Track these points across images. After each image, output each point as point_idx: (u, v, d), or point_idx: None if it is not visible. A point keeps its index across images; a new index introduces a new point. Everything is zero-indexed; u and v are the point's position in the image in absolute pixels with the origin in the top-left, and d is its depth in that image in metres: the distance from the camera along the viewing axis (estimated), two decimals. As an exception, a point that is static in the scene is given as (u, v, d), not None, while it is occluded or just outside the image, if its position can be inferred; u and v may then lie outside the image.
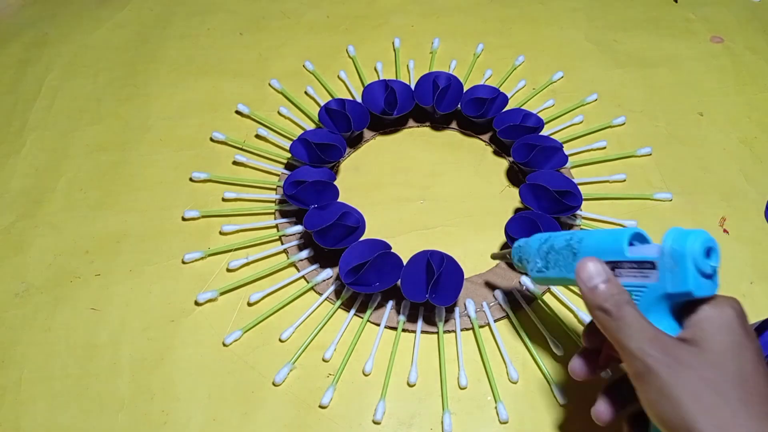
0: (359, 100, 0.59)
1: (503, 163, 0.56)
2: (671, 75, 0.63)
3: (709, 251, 0.31)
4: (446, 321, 0.45)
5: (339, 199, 0.50)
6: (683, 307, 0.31)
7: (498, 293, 0.47)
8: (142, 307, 0.47)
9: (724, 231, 0.51)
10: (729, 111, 0.60)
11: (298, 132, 0.57)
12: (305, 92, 0.62)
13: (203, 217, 0.52)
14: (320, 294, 0.47)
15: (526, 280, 0.47)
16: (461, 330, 0.45)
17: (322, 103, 0.57)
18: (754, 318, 0.46)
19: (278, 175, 0.55)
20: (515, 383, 0.43)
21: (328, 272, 0.48)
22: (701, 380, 0.28)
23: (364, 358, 0.44)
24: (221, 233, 0.51)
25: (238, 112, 0.60)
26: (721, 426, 0.27)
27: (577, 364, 0.35)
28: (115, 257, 0.50)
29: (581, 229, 0.51)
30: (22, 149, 0.57)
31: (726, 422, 0.27)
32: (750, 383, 0.28)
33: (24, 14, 0.71)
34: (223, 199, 0.53)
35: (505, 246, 0.50)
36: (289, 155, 0.56)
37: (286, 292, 0.48)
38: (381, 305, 0.46)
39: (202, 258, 0.49)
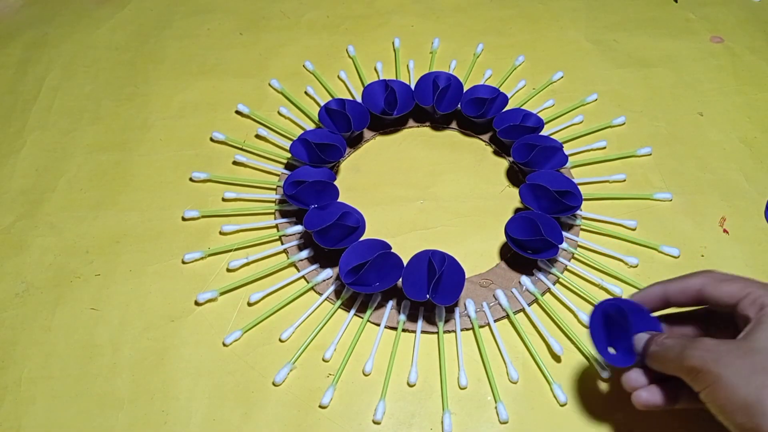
0: (359, 100, 0.59)
1: (503, 163, 0.56)
2: (671, 75, 0.63)
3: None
4: (446, 321, 0.45)
5: (339, 199, 0.50)
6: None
7: (498, 293, 0.47)
8: (142, 307, 0.47)
9: (724, 231, 0.51)
10: (729, 111, 0.60)
11: (298, 132, 0.57)
12: (305, 92, 0.62)
13: (203, 217, 0.52)
14: (320, 294, 0.47)
15: (525, 280, 0.47)
16: (461, 330, 0.45)
17: (322, 103, 0.57)
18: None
19: (278, 175, 0.55)
20: (515, 383, 0.43)
21: (328, 272, 0.48)
22: (754, 367, 0.31)
23: (364, 358, 0.44)
24: (221, 233, 0.51)
25: (238, 112, 0.60)
26: None
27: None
28: (115, 257, 0.50)
29: (581, 229, 0.51)
30: (22, 149, 0.57)
31: None
32: None
33: (24, 14, 0.71)
34: (223, 199, 0.53)
35: (505, 246, 0.50)
36: (289, 155, 0.56)
37: (286, 292, 0.48)
38: (381, 305, 0.46)
39: (202, 258, 0.49)
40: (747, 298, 0.34)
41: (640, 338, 0.37)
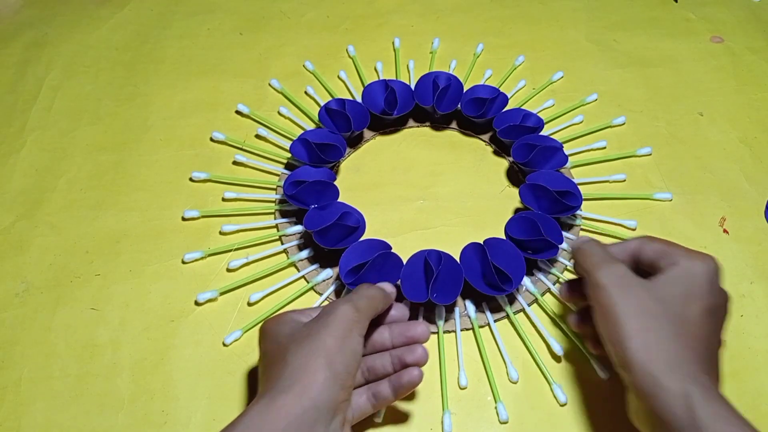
0: (359, 100, 0.59)
1: (503, 163, 0.56)
2: (671, 75, 0.63)
3: None
4: (446, 321, 0.45)
5: (339, 199, 0.50)
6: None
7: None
8: (142, 307, 0.47)
9: (724, 231, 0.51)
10: (729, 111, 0.60)
11: (298, 132, 0.57)
12: (305, 92, 0.62)
13: (203, 217, 0.52)
14: (320, 294, 0.47)
15: (525, 280, 0.47)
16: (461, 330, 0.45)
17: (322, 103, 0.57)
18: (755, 319, 0.46)
19: (278, 175, 0.55)
20: (515, 383, 0.43)
21: (328, 272, 0.48)
22: (643, 307, 0.34)
23: (364, 358, 0.44)
24: (221, 233, 0.51)
25: (238, 112, 0.60)
26: (647, 345, 0.33)
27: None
28: (115, 257, 0.50)
29: (581, 229, 0.51)
30: (22, 149, 0.57)
31: (651, 343, 0.33)
32: (687, 326, 0.34)
33: (24, 14, 0.71)
34: (223, 199, 0.53)
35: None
36: (289, 155, 0.56)
37: (286, 292, 0.48)
38: (381, 305, 0.46)
39: (202, 258, 0.49)
40: (665, 256, 0.37)
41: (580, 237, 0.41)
